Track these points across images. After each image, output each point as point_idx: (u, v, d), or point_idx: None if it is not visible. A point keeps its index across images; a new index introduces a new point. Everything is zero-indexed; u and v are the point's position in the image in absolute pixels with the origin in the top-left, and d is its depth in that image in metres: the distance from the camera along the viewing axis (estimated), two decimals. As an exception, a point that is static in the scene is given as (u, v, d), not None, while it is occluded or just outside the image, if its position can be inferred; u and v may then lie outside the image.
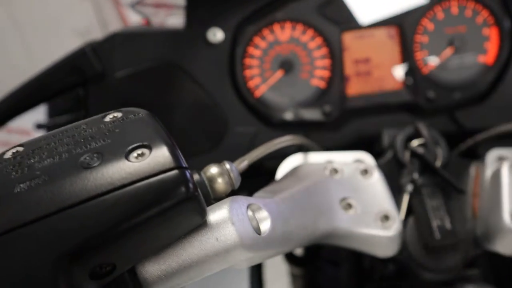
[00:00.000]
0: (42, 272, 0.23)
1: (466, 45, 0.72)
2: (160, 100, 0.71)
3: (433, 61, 0.72)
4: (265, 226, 0.33)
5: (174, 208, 0.26)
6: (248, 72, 0.72)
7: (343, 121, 0.73)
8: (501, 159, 0.55)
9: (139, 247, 0.26)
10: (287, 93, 0.73)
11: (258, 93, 0.72)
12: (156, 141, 0.28)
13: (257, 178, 0.54)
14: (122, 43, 0.68)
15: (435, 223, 0.53)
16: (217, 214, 0.30)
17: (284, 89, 0.73)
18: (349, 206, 0.49)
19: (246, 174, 0.49)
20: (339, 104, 0.71)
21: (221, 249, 0.29)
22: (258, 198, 0.35)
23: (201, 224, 0.29)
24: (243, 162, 0.40)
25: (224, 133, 0.72)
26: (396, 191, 0.55)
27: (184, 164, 0.27)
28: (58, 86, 0.68)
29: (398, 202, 0.55)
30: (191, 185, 0.26)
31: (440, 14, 0.71)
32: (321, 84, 0.72)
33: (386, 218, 0.49)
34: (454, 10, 0.71)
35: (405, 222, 0.55)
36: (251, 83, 0.72)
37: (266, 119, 0.72)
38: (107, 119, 0.31)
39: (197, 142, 0.72)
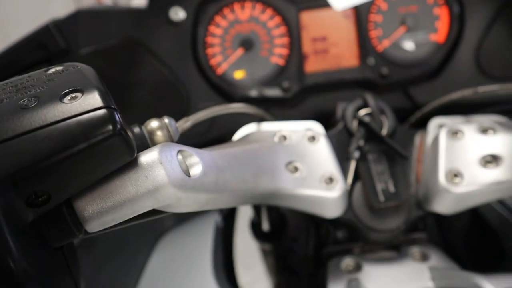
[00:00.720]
0: None
1: (418, 24, 0.75)
2: (124, 77, 0.73)
3: (386, 39, 0.75)
4: (196, 170, 0.36)
5: (101, 143, 0.28)
6: (210, 51, 0.74)
7: (301, 97, 0.76)
8: (441, 126, 0.59)
9: (70, 178, 0.29)
10: (247, 70, 0.75)
11: (220, 70, 0.75)
12: (88, 86, 0.30)
13: None
14: (86, 20, 0.70)
15: (379, 187, 0.57)
16: (148, 155, 0.33)
17: (244, 66, 0.75)
18: (295, 169, 0.52)
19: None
20: (298, 81, 0.74)
21: (150, 186, 0.32)
22: (193, 148, 0.38)
23: (133, 163, 0.32)
24: (187, 122, 0.43)
25: (187, 109, 0.74)
26: (345, 158, 0.58)
27: (113, 106, 0.30)
28: (23, 62, 0.69)
29: (346, 169, 0.58)
30: (118, 124, 0.29)
31: (393, -7, 0.74)
32: (280, 61, 0.75)
33: (330, 180, 0.52)
34: (407, -10, 0.74)
35: (352, 186, 0.58)
36: (213, 61, 0.75)
37: (228, 96, 0.75)
38: (50, 71, 0.33)
39: (161, 116, 0.75)
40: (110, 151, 0.29)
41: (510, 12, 0.72)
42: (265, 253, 1.02)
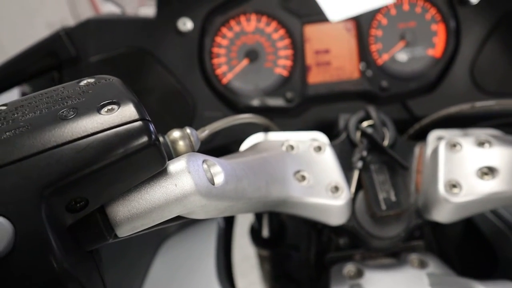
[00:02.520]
0: (27, 202, 0.27)
1: (417, 39, 0.78)
2: (132, 85, 0.74)
3: (386, 53, 0.78)
4: (219, 179, 0.38)
5: (137, 153, 0.30)
6: (216, 61, 0.77)
7: (304, 108, 0.78)
8: (440, 138, 0.61)
9: (108, 185, 0.31)
10: (252, 80, 0.78)
11: (225, 80, 0.77)
12: (124, 98, 0.32)
13: None
14: (95, 29, 0.72)
15: (381, 196, 0.59)
16: (176, 165, 0.35)
17: (249, 76, 0.78)
18: (302, 178, 0.54)
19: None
20: (300, 91, 0.77)
21: (179, 194, 0.34)
22: (214, 157, 0.40)
23: (163, 172, 0.34)
24: (205, 131, 0.45)
25: (193, 117, 0.76)
26: (348, 168, 0.61)
27: (148, 118, 0.32)
28: (33, 68, 0.71)
29: (349, 178, 0.60)
30: (153, 134, 0.31)
31: (393, 10, 0.77)
32: (284, 72, 0.77)
33: (336, 189, 0.55)
34: (406, 7, 0.78)
35: (355, 195, 0.60)
36: (219, 71, 0.77)
37: (232, 105, 0.77)
38: (82, 83, 0.35)
39: (167, 125, 0.76)
40: (145, 161, 0.31)
41: (504, 29, 0.75)
42: (262, 259, 1.03)
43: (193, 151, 0.41)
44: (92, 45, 0.72)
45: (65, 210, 0.30)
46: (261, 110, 0.78)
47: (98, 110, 0.31)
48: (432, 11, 0.78)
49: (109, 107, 0.31)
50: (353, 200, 0.60)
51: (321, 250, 0.72)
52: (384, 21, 0.78)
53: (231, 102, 0.77)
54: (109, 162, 0.29)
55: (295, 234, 0.87)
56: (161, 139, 0.39)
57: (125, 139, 0.30)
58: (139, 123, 0.31)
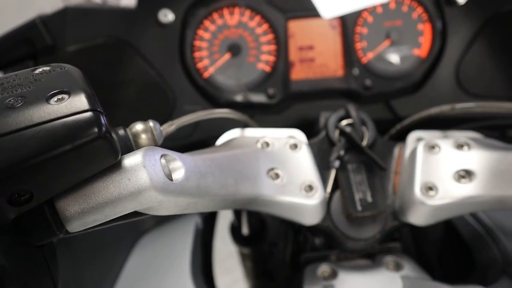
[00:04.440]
0: None
1: (402, 38, 0.77)
2: (110, 75, 0.73)
3: (371, 51, 0.77)
4: (178, 174, 0.36)
5: (86, 145, 0.29)
6: (197, 54, 0.75)
7: (286, 104, 0.77)
8: (419, 139, 0.60)
9: (54, 179, 0.30)
10: (234, 75, 0.76)
11: (206, 74, 0.76)
12: (75, 88, 0.31)
13: None
14: (73, 17, 0.70)
15: (357, 196, 0.58)
16: (132, 158, 0.33)
17: (231, 71, 0.76)
18: (276, 176, 0.53)
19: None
20: (283, 88, 0.75)
21: (133, 189, 0.32)
22: (176, 152, 0.38)
23: (117, 165, 0.33)
24: (172, 126, 0.44)
25: (172, 111, 0.75)
26: (326, 167, 0.60)
27: (99, 109, 0.30)
28: (7, 57, 0.69)
29: (327, 177, 0.59)
30: (103, 126, 0.29)
31: (379, 8, 0.76)
32: (266, 68, 0.76)
33: (310, 188, 0.54)
34: (392, 5, 0.76)
35: (332, 195, 0.59)
36: (200, 65, 0.75)
37: (213, 100, 0.76)
38: (36, 71, 0.34)
39: (145, 118, 0.75)
40: (94, 154, 0.30)
41: (490, 31, 0.74)
42: (243, 257, 1.02)
43: (156, 145, 0.39)
44: (69, 34, 0.70)
45: (7, 203, 0.28)
46: (243, 106, 0.76)
47: (47, 100, 0.30)
48: (419, 10, 0.76)
49: (59, 96, 0.30)
50: (329, 199, 0.59)
51: (297, 250, 0.71)
52: (370, 19, 0.76)
53: (212, 96, 0.76)
54: (55, 154, 0.28)
55: (275, 231, 0.86)
56: (121, 131, 0.37)
57: (73, 130, 0.29)
58: (89, 114, 0.29)
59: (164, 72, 0.73)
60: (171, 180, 0.35)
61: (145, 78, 0.73)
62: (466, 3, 0.74)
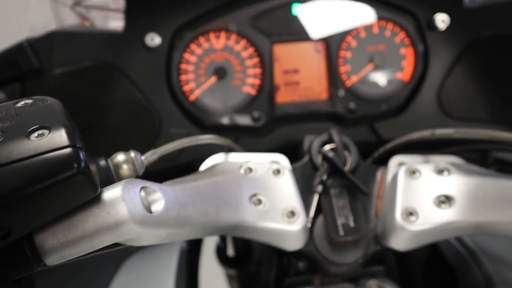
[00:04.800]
0: None
1: (385, 62, 0.79)
2: (97, 98, 0.73)
3: (355, 75, 0.78)
4: (158, 206, 0.37)
5: (64, 181, 0.29)
6: (183, 77, 0.76)
7: (271, 127, 0.78)
8: (401, 164, 0.61)
9: (33, 214, 0.30)
10: (220, 98, 0.77)
11: (192, 97, 0.76)
12: (55, 124, 0.31)
13: None
14: (61, 41, 0.70)
15: (339, 221, 0.59)
16: (111, 192, 0.34)
17: (217, 94, 0.77)
18: (258, 201, 0.54)
19: (178, 175, 0.54)
20: (268, 111, 0.76)
21: (111, 222, 0.33)
22: (156, 183, 0.39)
23: (96, 199, 0.33)
24: (154, 155, 0.44)
25: (159, 134, 0.75)
26: (309, 191, 0.60)
27: (79, 145, 0.31)
28: None
29: (310, 201, 0.60)
30: (82, 162, 0.30)
31: (362, 32, 0.78)
32: (252, 91, 0.77)
33: (292, 213, 0.54)
34: (375, 30, 0.78)
35: (315, 219, 0.60)
36: (186, 88, 0.76)
37: (199, 122, 0.76)
38: (19, 104, 0.34)
39: (132, 141, 0.76)
40: (73, 189, 0.30)
41: (471, 56, 0.76)
42: (230, 278, 1.02)
43: (137, 175, 0.40)
44: (56, 57, 0.70)
45: None
46: (228, 129, 0.77)
47: (28, 135, 0.30)
48: (401, 35, 0.78)
49: (40, 131, 0.30)
50: (312, 224, 0.59)
51: (281, 273, 0.71)
52: (353, 43, 0.78)
53: (198, 119, 0.76)
54: (33, 190, 0.28)
55: (261, 253, 0.86)
56: (103, 162, 0.38)
57: (52, 167, 0.29)
58: (68, 150, 0.30)
59: (150, 95, 0.74)
60: (151, 212, 0.36)
61: (132, 101, 0.74)
62: (447, 28, 0.75)
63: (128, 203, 0.33)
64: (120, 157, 0.39)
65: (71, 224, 0.32)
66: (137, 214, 0.34)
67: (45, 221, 0.31)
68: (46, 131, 0.30)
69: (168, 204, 0.38)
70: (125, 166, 0.38)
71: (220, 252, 0.91)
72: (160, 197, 0.37)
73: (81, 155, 0.30)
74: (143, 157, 0.43)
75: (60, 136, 0.30)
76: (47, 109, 0.33)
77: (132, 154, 0.39)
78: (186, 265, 0.78)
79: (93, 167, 0.34)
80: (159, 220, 0.36)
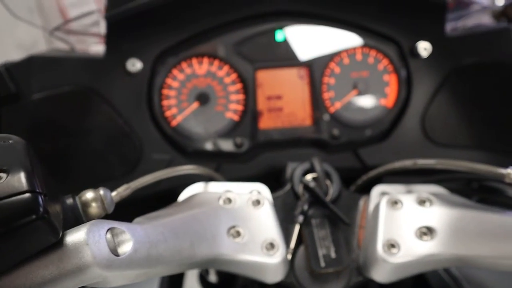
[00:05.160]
0: None
1: (369, 88, 0.79)
2: (76, 124, 0.72)
3: (339, 101, 0.78)
4: (125, 248, 0.36)
5: (23, 227, 0.28)
6: (165, 102, 0.75)
7: (254, 153, 0.77)
8: (383, 194, 0.61)
9: None
10: (202, 124, 0.76)
11: (174, 122, 0.75)
12: (14, 167, 0.30)
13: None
14: (39, 66, 0.69)
15: (321, 252, 0.58)
16: (75, 235, 0.32)
17: (200, 120, 0.76)
18: (237, 233, 0.52)
19: (160, 203, 0.52)
20: (251, 137, 0.76)
21: (74, 267, 0.31)
22: (125, 223, 0.37)
23: (59, 243, 0.32)
24: (127, 190, 0.43)
25: (140, 160, 0.74)
26: (291, 221, 0.59)
27: (38, 189, 0.30)
28: None
29: (291, 231, 0.59)
30: (41, 208, 0.29)
31: (346, 59, 0.78)
32: (235, 117, 0.76)
33: (271, 246, 0.53)
34: (359, 56, 0.78)
35: (296, 250, 0.59)
36: (168, 113, 0.75)
37: (181, 148, 0.75)
38: None
39: (113, 167, 0.74)
40: (32, 235, 0.29)
41: (453, 83, 0.76)
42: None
43: (106, 213, 0.38)
44: (34, 82, 0.69)
45: None
46: (210, 154, 0.76)
47: None
48: (385, 62, 0.78)
49: None
50: (293, 255, 0.58)
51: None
52: (337, 69, 0.78)
53: (179, 145, 0.75)
54: None
55: (244, 279, 0.84)
56: (70, 200, 0.37)
57: (9, 213, 0.28)
58: (26, 195, 0.28)
59: (131, 120, 0.73)
60: (117, 255, 0.34)
61: (112, 126, 0.73)
62: (430, 56, 0.76)
63: (93, 247, 0.32)
64: (88, 195, 0.38)
65: (33, 269, 0.31)
66: (102, 258, 0.33)
67: (5, 267, 0.30)
68: (4, 175, 0.29)
69: (137, 245, 0.36)
70: (93, 204, 0.37)
71: (203, 278, 0.90)
72: (128, 238, 0.36)
73: (40, 200, 0.29)
74: (114, 193, 0.42)
75: (18, 181, 0.29)
76: (8, 150, 0.32)
77: (101, 191, 0.38)
78: None
79: (57, 208, 0.32)
80: (127, 262, 0.35)
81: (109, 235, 0.35)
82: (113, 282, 0.36)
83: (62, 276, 0.31)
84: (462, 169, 0.56)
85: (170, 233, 0.42)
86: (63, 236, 0.32)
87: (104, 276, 0.33)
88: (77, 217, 0.37)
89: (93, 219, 0.37)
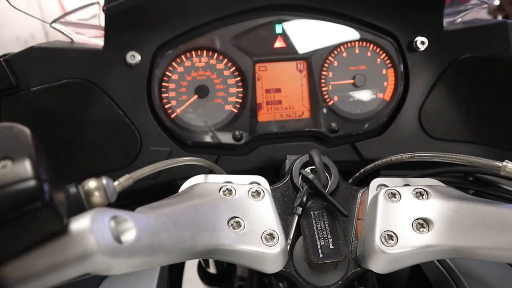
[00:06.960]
0: None
1: (367, 82, 0.79)
2: (76, 115, 0.72)
3: (337, 94, 0.79)
4: (129, 236, 0.36)
5: (29, 214, 0.28)
6: (165, 95, 0.75)
7: (253, 145, 0.77)
8: (381, 186, 0.61)
9: None
10: (201, 116, 0.76)
11: (173, 115, 0.76)
12: (19, 154, 0.30)
13: None
14: (39, 58, 0.69)
15: (319, 243, 0.58)
16: (79, 222, 0.33)
17: (199, 112, 0.76)
18: (237, 224, 0.53)
19: (158, 193, 0.52)
20: (250, 129, 0.76)
21: (79, 254, 0.32)
22: (128, 212, 0.38)
23: (64, 230, 0.32)
24: (129, 180, 0.43)
25: (139, 151, 0.74)
26: (290, 212, 0.60)
27: (43, 176, 0.30)
28: None
29: (290, 223, 0.59)
30: (46, 195, 0.29)
31: (344, 53, 0.78)
32: (234, 110, 0.77)
33: (271, 236, 0.53)
34: (357, 50, 0.78)
35: (295, 241, 0.59)
36: (168, 105, 0.75)
37: (180, 140, 0.76)
38: None
39: (113, 158, 0.74)
40: (38, 221, 0.29)
41: (450, 77, 0.77)
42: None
43: (109, 202, 0.39)
44: (34, 74, 0.69)
45: None
46: (209, 147, 0.77)
47: None
48: (382, 55, 0.79)
49: (3, 162, 0.29)
50: (292, 246, 0.59)
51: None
52: (335, 63, 0.78)
53: (179, 137, 0.76)
54: None
55: (243, 270, 0.85)
56: (73, 189, 0.37)
57: (15, 200, 0.28)
58: (31, 182, 0.29)
59: (131, 112, 0.73)
60: (121, 243, 0.35)
61: (112, 118, 0.73)
62: (427, 50, 0.76)
63: (97, 234, 0.33)
64: (91, 183, 0.38)
65: (38, 256, 0.31)
66: (106, 245, 0.33)
67: (10, 254, 0.30)
68: (9, 162, 0.30)
69: (140, 233, 0.37)
70: (96, 193, 0.38)
71: (202, 270, 0.90)
72: (131, 226, 0.36)
73: (45, 187, 0.29)
74: (116, 183, 0.42)
75: (23, 168, 0.29)
76: (12, 138, 0.32)
77: (104, 181, 0.39)
78: (168, 281, 0.76)
79: (61, 196, 0.33)
80: (130, 250, 0.36)
81: (112, 223, 0.35)
82: (115, 270, 0.36)
83: (66, 263, 0.32)
84: (459, 162, 0.57)
85: (172, 223, 0.42)
86: (68, 223, 0.32)
87: (108, 264, 0.34)
88: (80, 206, 0.37)
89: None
